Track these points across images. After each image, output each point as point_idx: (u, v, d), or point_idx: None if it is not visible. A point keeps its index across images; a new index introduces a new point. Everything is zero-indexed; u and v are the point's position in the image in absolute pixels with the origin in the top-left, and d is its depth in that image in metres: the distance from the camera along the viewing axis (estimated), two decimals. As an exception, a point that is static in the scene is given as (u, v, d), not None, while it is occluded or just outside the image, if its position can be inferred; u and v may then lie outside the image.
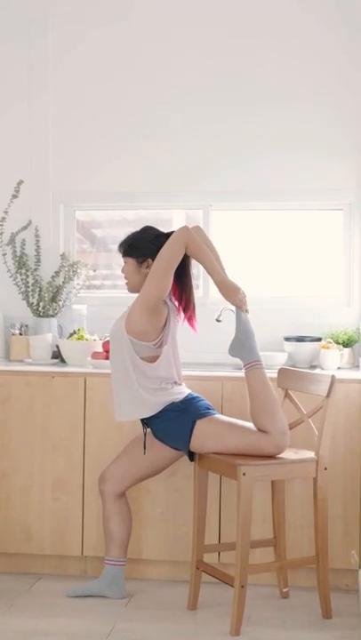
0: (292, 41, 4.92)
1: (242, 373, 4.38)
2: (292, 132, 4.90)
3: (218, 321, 4.69)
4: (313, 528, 4.18)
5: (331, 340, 4.65)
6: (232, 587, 3.73)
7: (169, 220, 5.23)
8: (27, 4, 5.09)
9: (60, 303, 4.96)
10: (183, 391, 4.01)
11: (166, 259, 3.89)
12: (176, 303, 4.12)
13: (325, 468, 3.86)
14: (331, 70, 4.89)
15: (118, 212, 5.30)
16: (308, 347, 4.69)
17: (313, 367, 4.68)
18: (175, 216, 5.29)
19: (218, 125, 4.97)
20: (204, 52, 4.99)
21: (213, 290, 4.89)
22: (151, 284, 3.88)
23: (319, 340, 4.72)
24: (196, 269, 4.67)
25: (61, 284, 4.95)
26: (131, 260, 4.06)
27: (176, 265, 3.91)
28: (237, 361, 4.71)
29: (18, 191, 4.96)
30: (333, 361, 4.58)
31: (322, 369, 4.59)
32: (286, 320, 4.87)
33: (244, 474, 3.67)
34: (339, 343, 4.65)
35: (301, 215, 5.04)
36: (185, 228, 3.94)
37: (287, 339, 4.75)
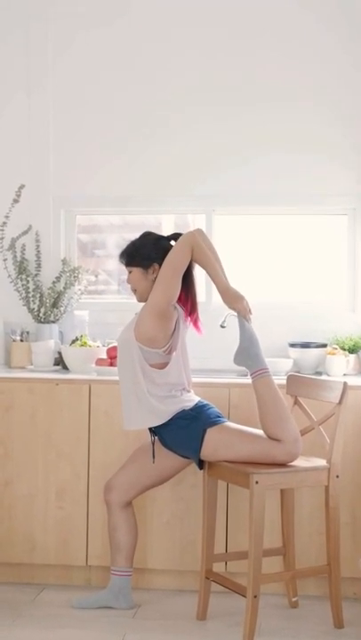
0: (293, 41, 4.90)
1: (249, 379, 4.36)
2: (296, 136, 4.87)
3: (222, 327, 4.64)
4: (320, 536, 4.17)
5: (337, 347, 4.61)
6: (243, 597, 3.68)
7: (157, 225, 5.19)
8: (27, 2, 5.04)
9: (62, 309, 4.90)
10: (193, 398, 3.96)
11: (174, 263, 3.84)
12: (182, 307, 4.06)
13: (337, 476, 3.82)
14: (332, 71, 4.87)
15: (105, 217, 5.24)
16: (313, 353, 4.65)
17: (318, 373, 4.64)
18: (164, 221, 5.25)
19: (221, 129, 4.93)
20: (205, 52, 4.95)
21: (217, 295, 4.85)
22: (160, 289, 3.83)
23: (324, 346, 4.68)
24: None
25: (62, 289, 4.89)
26: (136, 269, 3.99)
27: (184, 269, 3.87)
28: (242, 367, 4.69)
29: (19, 195, 4.89)
30: (340, 367, 4.54)
31: (328, 375, 4.55)
32: (290, 326, 4.83)
33: (256, 482, 3.62)
34: (344, 349, 4.61)
35: (305, 220, 5.01)
36: (191, 233, 3.89)
37: (292, 345, 4.71)
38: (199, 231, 3.92)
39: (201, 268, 3.97)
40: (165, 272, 3.84)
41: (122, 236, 5.27)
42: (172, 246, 3.95)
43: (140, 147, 4.99)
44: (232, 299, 3.88)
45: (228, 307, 3.91)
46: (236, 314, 3.95)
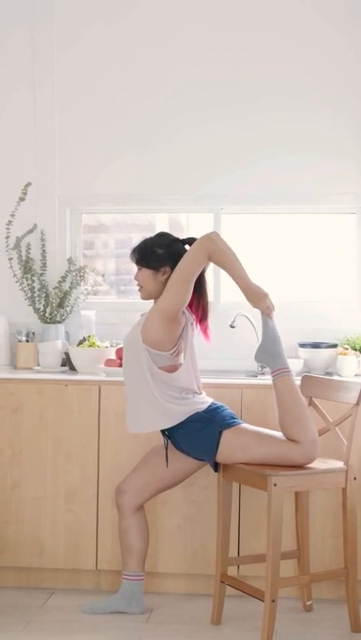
0: (299, 41, 4.84)
1: (261, 380, 4.33)
2: (303, 135, 4.82)
3: (232, 327, 4.62)
4: (334, 539, 4.13)
5: (348, 347, 4.56)
6: (260, 601, 3.63)
7: (148, 225, 5.15)
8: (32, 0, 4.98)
9: (68, 309, 4.83)
10: (206, 400, 3.89)
11: (188, 269, 3.75)
12: (193, 315, 3.99)
13: (355, 478, 3.76)
14: (340, 69, 4.84)
15: (95, 217, 5.17)
16: (324, 353, 4.59)
17: (328, 374, 4.59)
18: (158, 220, 5.19)
19: (229, 128, 4.88)
20: (211, 50, 4.89)
21: (225, 295, 4.85)
22: (171, 294, 3.75)
23: (335, 346, 4.63)
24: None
25: (68, 289, 4.82)
26: (146, 269, 3.92)
27: (197, 275, 3.79)
28: (251, 367, 4.66)
29: (25, 194, 4.82)
30: (351, 367, 4.49)
31: (339, 375, 4.49)
32: (300, 326, 4.77)
33: (275, 485, 3.56)
34: (356, 349, 4.56)
35: (314, 218, 4.96)
36: (208, 237, 3.79)
37: (302, 345, 4.66)
38: (215, 234, 3.83)
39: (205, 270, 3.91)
40: (178, 277, 3.76)
41: (112, 236, 5.21)
42: (186, 251, 3.87)
43: (146, 145, 4.93)
44: (256, 297, 3.80)
45: (252, 305, 3.82)
46: (246, 313, 3.88)
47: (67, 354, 4.67)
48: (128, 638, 3.71)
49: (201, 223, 5.01)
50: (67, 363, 4.69)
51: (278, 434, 3.77)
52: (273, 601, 3.57)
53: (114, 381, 4.27)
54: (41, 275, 4.86)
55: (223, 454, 3.76)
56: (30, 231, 4.88)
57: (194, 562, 4.23)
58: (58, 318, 4.80)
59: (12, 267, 4.85)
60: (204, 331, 3.99)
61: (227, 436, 3.75)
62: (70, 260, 4.88)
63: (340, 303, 4.89)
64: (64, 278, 4.85)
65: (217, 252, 3.76)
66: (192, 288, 3.78)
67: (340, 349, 4.58)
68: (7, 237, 4.85)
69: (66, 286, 4.85)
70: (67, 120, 4.98)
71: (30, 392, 4.31)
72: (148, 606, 4.04)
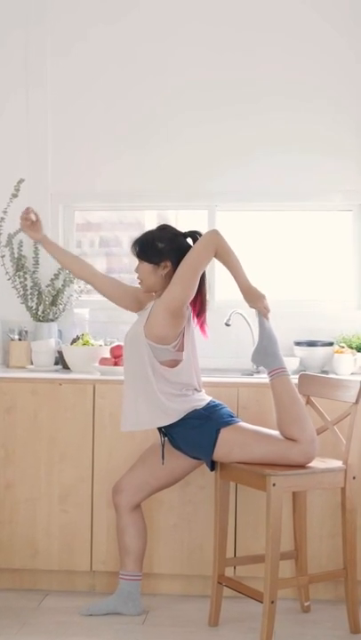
0: (297, 39, 4.82)
1: (257, 379, 4.30)
2: (300, 132, 4.80)
3: (227, 325, 4.59)
4: (331, 539, 4.11)
5: (344, 345, 4.54)
6: (259, 602, 3.59)
7: (137, 223, 5.11)
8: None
9: (61, 307, 4.78)
10: (204, 398, 3.85)
11: (196, 264, 3.74)
12: (191, 307, 3.96)
13: (354, 477, 3.73)
14: (337, 68, 4.81)
15: (82, 215, 5.12)
16: (320, 351, 4.57)
17: (324, 372, 4.57)
18: (147, 217, 5.15)
19: (225, 125, 4.85)
20: (208, 50, 4.86)
21: (220, 294, 4.80)
22: (177, 288, 3.72)
23: (331, 344, 4.60)
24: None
25: (61, 287, 4.77)
26: (147, 263, 3.88)
27: (204, 269, 3.79)
28: (247, 366, 4.63)
29: (18, 190, 4.76)
30: (347, 366, 4.47)
31: (335, 374, 4.47)
32: (296, 324, 4.74)
33: (274, 484, 3.52)
34: (352, 348, 4.54)
35: (310, 216, 4.93)
36: (215, 233, 3.79)
37: (298, 343, 4.63)
38: (218, 231, 3.83)
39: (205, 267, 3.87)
40: (186, 271, 3.74)
41: (99, 235, 5.17)
42: (188, 244, 3.85)
43: (141, 143, 4.89)
44: (254, 297, 3.82)
45: (250, 305, 3.85)
46: (242, 312, 3.87)
47: (60, 352, 4.61)
48: (125, 640, 3.68)
49: (191, 221, 4.94)
50: (60, 361, 4.63)
51: (277, 433, 3.74)
52: (272, 602, 3.53)
53: (108, 380, 4.23)
54: (33, 272, 4.81)
55: (221, 452, 3.72)
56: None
57: (190, 563, 4.19)
58: (51, 316, 4.76)
59: (4, 264, 4.80)
60: (201, 325, 3.96)
61: (225, 434, 3.71)
62: (63, 258, 4.83)
63: (337, 301, 4.87)
64: (57, 276, 4.80)
65: (224, 248, 3.77)
66: (198, 283, 3.78)
67: (336, 347, 4.55)
68: (-1, 234, 4.81)
69: (58, 284, 4.80)
70: (61, 117, 4.93)
71: (24, 391, 4.25)
72: (144, 608, 3.99)
